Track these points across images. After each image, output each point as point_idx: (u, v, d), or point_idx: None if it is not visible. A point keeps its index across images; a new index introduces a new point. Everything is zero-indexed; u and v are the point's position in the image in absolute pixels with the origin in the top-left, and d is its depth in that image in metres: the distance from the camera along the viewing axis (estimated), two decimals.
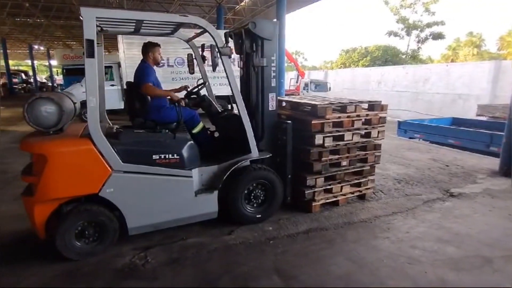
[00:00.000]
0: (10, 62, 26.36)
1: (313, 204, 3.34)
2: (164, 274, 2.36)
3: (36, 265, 2.43)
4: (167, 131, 2.92)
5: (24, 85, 26.82)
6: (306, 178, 3.26)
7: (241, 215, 3.06)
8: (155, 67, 3.28)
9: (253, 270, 2.40)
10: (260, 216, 3.14)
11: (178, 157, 2.78)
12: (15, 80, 24.84)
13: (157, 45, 3.24)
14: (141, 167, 2.63)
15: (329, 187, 3.41)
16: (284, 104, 3.84)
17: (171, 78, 9.82)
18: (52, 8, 16.37)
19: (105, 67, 9.97)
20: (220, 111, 3.61)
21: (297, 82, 16.78)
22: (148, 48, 3.19)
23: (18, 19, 18.43)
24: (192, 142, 2.93)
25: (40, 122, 2.46)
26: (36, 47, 30.53)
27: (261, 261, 2.51)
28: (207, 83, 3.69)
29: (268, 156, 3.22)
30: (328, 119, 3.19)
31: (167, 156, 2.74)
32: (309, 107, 3.41)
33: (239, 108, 3.02)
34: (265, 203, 3.18)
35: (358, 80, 17.96)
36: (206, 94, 3.69)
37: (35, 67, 30.53)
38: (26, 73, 30.09)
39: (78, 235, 2.50)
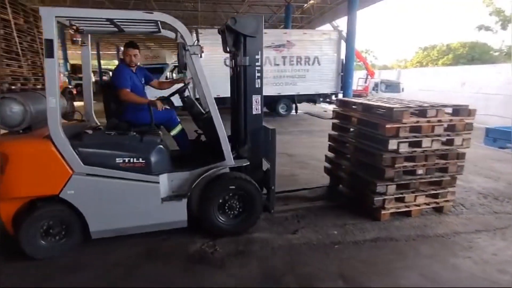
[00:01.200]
0: (101, 62, 30.14)
1: (382, 212, 3.17)
2: (231, 264, 2.48)
3: (121, 241, 2.72)
4: (135, 133, 2.77)
5: None
6: (376, 184, 3.11)
7: (214, 226, 2.83)
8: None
9: (317, 272, 2.39)
10: (235, 228, 2.90)
11: (143, 161, 2.66)
12: (104, 78, 28.31)
13: (131, 46, 3.08)
14: (103, 170, 2.55)
15: (401, 195, 3.20)
16: (354, 106, 3.70)
17: None
18: None
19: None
20: (203, 112, 3.34)
21: (365, 82, 15.97)
22: (124, 49, 3.11)
23: None
24: (161, 146, 2.79)
25: (5, 121, 2.52)
26: (122, 48, 34.38)
27: (326, 264, 2.48)
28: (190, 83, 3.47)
29: (245, 164, 2.96)
30: (405, 123, 2.98)
31: (131, 159, 2.64)
32: (383, 110, 3.23)
33: (212, 111, 2.82)
34: (242, 214, 2.93)
35: (436, 81, 16.32)
36: (189, 95, 3.42)
37: None
38: (112, 72, 34.11)
39: (43, 234, 2.49)
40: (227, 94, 11.47)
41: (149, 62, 20.27)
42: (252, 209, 2.90)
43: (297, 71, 10.56)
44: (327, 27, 16.06)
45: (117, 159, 2.60)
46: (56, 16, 2.32)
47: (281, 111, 10.92)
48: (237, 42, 2.90)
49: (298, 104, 11.00)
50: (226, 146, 2.84)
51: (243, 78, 2.96)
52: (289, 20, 14.68)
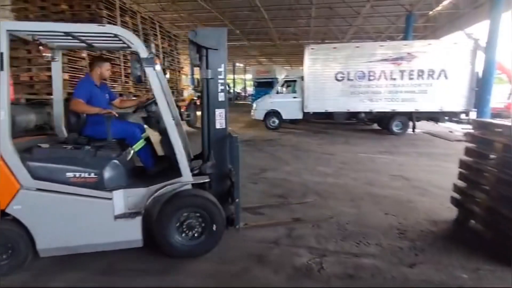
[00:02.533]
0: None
1: None
2: (339, 286, 2.40)
3: (235, 240, 2.97)
4: (89, 148, 2.67)
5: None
6: None
7: (170, 247, 2.66)
8: None
9: None
10: (194, 250, 2.71)
11: (95, 176, 2.56)
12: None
13: (106, 60, 3.18)
14: (53, 185, 2.47)
15: None
16: (499, 129, 3.10)
17: (350, 92, 9.90)
18: (253, 32, 19.94)
19: (289, 81, 11.27)
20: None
21: (509, 98, 13.15)
22: (96, 63, 3.11)
23: (229, 43, 23.49)
24: (115, 161, 2.67)
25: None
26: (237, 64, 38.09)
27: None
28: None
29: (204, 181, 2.82)
30: None
31: (82, 174, 2.54)
32: None
33: (167, 126, 2.69)
34: (202, 235, 2.73)
35: None
36: (156, 110, 3.18)
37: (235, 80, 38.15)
38: (228, 85, 37.93)
39: None
40: (336, 109, 11.32)
41: (261, 76, 21.82)
42: (212, 229, 2.72)
43: (417, 86, 9.53)
44: (454, 36, 14.04)
45: (67, 173, 2.52)
46: (7, 30, 2.34)
47: (395, 129, 10.01)
48: (199, 55, 2.87)
49: (416, 122, 9.88)
50: (183, 162, 2.73)
51: (206, 91, 2.91)
52: (409, 30, 13.48)
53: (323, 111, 10.25)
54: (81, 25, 2.89)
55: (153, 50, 2.65)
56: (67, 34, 2.71)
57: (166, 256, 2.72)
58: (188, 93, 12.21)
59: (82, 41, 2.98)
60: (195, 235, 2.74)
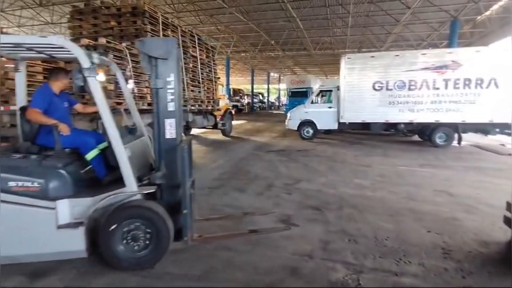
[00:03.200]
0: (254, 86, 34.41)
1: None
2: None
3: (273, 250, 2.97)
4: (35, 156, 2.68)
5: (260, 104, 34.24)
6: None
7: (113, 258, 2.60)
8: None
9: None
10: (139, 262, 2.64)
11: (38, 185, 2.56)
12: (254, 100, 32.17)
13: (67, 73, 3.17)
14: None
15: None
16: None
17: (388, 101, 9.54)
18: (288, 43, 20.07)
19: (324, 90, 11.11)
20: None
21: None
22: (59, 74, 3.13)
23: (264, 53, 23.87)
24: (60, 170, 2.65)
25: None
26: (271, 74, 38.44)
27: None
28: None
29: (149, 191, 2.80)
30: None
31: (24, 184, 2.54)
32: None
33: (110, 135, 2.69)
34: (148, 246, 2.66)
35: None
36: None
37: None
38: (262, 94, 38.38)
39: None
40: (373, 119, 10.96)
41: (295, 86, 21.83)
42: (157, 241, 2.64)
43: (463, 96, 8.92)
44: (505, 42, 13.06)
45: (9, 182, 2.54)
46: None
47: (439, 140, 9.40)
48: (149, 64, 2.86)
49: (462, 134, 9.23)
50: (126, 172, 2.70)
51: (156, 101, 2.91)
52: (454, 37, 12.77)
53: (360, 121, 9.95)
54: (25, 37, 3.10)
55: (96, 61, 2.70)
56: (16, 45, 2.77)
57: (204, 263, 2.79)
58: (224, 102, 12.50)
59: (39, 52, 2.99)
60: (140, 246, 2.68)
